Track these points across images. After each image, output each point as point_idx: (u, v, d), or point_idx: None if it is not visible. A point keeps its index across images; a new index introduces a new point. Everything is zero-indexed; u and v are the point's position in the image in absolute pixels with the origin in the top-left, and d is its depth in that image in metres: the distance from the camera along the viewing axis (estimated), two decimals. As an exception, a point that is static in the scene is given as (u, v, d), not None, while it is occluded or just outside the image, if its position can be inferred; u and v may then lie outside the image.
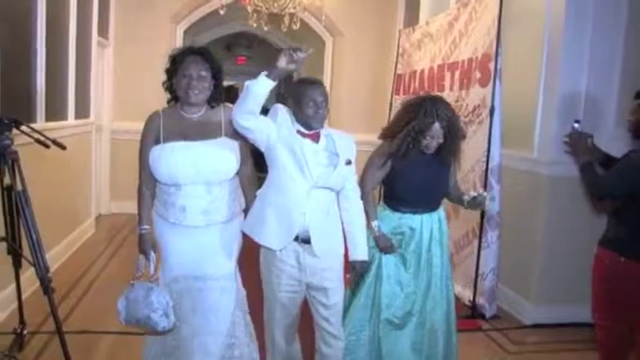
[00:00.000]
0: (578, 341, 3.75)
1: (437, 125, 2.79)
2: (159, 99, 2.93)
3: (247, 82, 2.35)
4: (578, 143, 3.13)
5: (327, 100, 2.53)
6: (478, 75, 4.27)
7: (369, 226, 2.86)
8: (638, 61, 3.99)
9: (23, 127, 2.95)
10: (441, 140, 2.83)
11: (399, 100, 6.07)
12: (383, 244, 2.91)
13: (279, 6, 5.47)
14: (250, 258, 2.76)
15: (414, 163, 2.86)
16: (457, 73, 4.65)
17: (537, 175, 4.11)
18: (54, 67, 4.56)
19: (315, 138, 2.54)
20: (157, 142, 2.55)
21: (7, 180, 2.93)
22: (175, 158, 2.50)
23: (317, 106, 2.47)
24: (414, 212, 2.93)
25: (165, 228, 2.61)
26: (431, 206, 2.98)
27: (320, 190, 2.54)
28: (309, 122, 2.50)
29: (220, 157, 2.56)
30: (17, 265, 3.14)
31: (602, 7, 3.92)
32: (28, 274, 3.40)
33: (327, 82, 7.42)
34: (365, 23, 7.19)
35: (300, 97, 2.49)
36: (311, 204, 2.51)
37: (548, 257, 4.09)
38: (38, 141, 2.99)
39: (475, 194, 2.93)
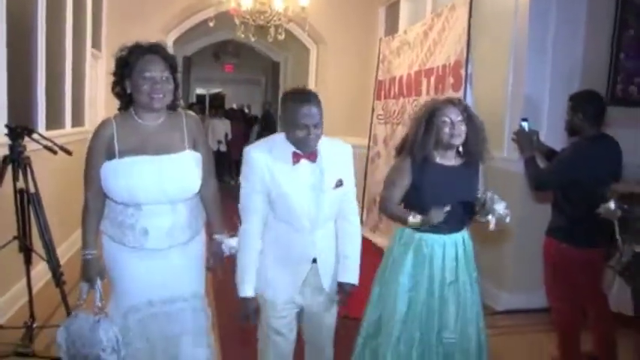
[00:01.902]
0: (546, 323, 3.95)
1: (451, 107, 2.52)
2: None
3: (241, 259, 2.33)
4: (523, 140, 3.47)
5: (322, 116, 2.23)
6: (451, 80, 4.60)
7: (409, 224, 2.58)
8: (595, 67, 4.34)
9: (34, 135, 3.23)
10: (463, 127, 2.51)
11: (380, 105, 6.40)
12: (436, 217, 2.51)
13: (264, 18, 5.80)
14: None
15: (434, 175, 2.55)
16: (432, 79, 4.97)
17: (508, 171, 4.41)
18: (52, 79, 4.82)
19: (313, 157, 2.30)
20: (111, 155, 2.25)
21: (19, 183, 3.21)
22: (136, 175, 2.23)
23: (308, 128, 2.20)
24: (435, 232, 2.57)
25: (120, 253, 2.34)
26: (454, 226, 2.60)
27: (327, 225, 2.38)
28: (301, 147, 2.26)
29: (186, 173, 2.32)
30: (28, 261, 3.40)
31: (562, 19, 4.24)
32: (37, 270, 3.66)
33: (311, 88, 7.71)
34: (347, 32, 7.49)
35: (290, 117, 2.21)
36: (319, 247, 2.36)
37: (520, 248, 4.39)
38: (47, 147, 3.28)
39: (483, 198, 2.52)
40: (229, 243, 2.51)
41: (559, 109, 4.28)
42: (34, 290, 3.64)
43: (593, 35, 4.30)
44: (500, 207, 2.45)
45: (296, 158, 2.27)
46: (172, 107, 2.36)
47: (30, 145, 3.30)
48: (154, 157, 2.24)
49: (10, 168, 3.16)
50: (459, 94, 4.44)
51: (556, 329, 3.47)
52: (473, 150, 2.57)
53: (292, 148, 2.27)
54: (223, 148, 10.43)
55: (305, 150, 2.26)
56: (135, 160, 2.23)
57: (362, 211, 6.51)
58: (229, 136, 10.53)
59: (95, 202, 2.32)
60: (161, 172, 2.24)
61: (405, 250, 2.60)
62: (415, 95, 5.30)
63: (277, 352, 2.48)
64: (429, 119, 2.53)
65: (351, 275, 2.45)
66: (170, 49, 7.21)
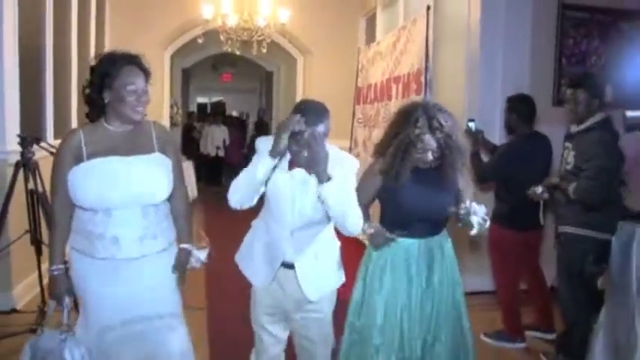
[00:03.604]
0: (493, 303, 4.25)
1: (428, 137, 2.37)
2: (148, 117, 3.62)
3: (247, 170, 2.25)
4: (469, 138, 3.98)
5: (324, 137, 2.19)
6: (414, 86, 5.11)
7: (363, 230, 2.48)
8: (541, 72, 4.83)
9: (42, 143, 3.77)
10: (436, 154, 2.41)
11: (359, 109, 6.92)
12: (376, 241, 2.53)
13: (247, 34, 6.36)
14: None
15: (410, 182, 2.47)
16: (400, 85, 5.48)
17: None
18: (59, 91, 5.37)
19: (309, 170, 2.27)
20: (79, 160, 2.18)
21: (30, 185, 3.75)
22: (105, 176, 2.16)
23: (301, 146, 2.19)
24: (410, 236, 2.54)
25: (90, 268, 2.23)
26: (430, 230, 2.57)
27: (311, 229, 2.35)
28: (292, 156, 2.28)
29: (157, 175, 2.26)
30: (39, 253, 3.93)
31: (510, 31, 4.73)
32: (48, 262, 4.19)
33: (299, 95, 8.29)
34: (331, 42, 8.01)
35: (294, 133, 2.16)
36: (294, 245, 2.34)
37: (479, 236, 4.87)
38: (52, 153, 3.81)
39: (463, 208, 2.47)
40: (197, 255, 2.44)
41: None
42: (45, 280, 4.13)
43: (538, 44, 4.81)
44: (480, 214, 2.42)
45: (292, 164, 2.29)
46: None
47: (39, 152, 3.84)
48: (123, 158, 2.19)
49: (21, 172, 3.70)
50: (420, 99, 4.95)
51: (501, 306, 3.96)
52: (445, 164, 2.46)
53: (289, 156, 2.28)
54: (221, 153, 10.97)
55: (296, 164, 2.27)
56: (104, 161, 2.17)
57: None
58: (227, 142, 11.07)
59: (62, 213, 2.24)
60: (131, 172, 2.19)
61: (382, 254, 2.55)
62: (387, 100, 5.83)
63: (263, 349, 2.51)
64: (404, 140, 2.42)
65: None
66: (168, 62, 7.87)
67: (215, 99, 17.87)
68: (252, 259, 2.44)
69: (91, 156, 2.18)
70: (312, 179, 2.23)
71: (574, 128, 3.28)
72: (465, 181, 2.58)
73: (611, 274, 3.12)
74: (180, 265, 2.43)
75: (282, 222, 2.32)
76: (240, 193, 2.27)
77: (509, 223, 3.69)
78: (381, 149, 2.56)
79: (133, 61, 2.23)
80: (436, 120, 2.37)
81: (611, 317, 3.13)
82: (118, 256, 2.21)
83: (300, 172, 2.27)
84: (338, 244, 2.49)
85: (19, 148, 3.74)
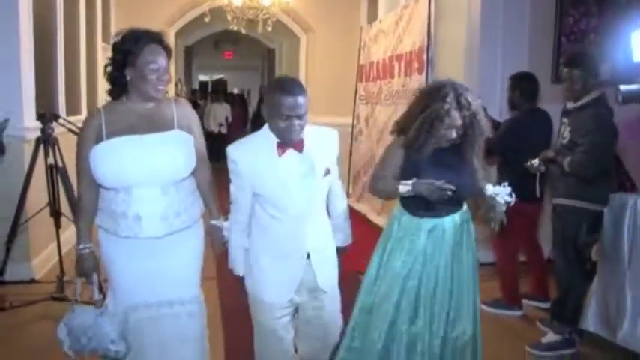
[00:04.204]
0: (493, 274, 4.27)
1: (456, 114, 2.35)
2: None
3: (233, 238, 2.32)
4: None
5: (306, 107, 2.14)
6: (416, 64, 5.25)
7: (399, 194, 2.46)
8: (540, 50, 4.96)
9: (60, 120, 3.93)
10: (460, 132, 2.40)
11: (361, 87, 7.06)
12: (428, 192, 2.38)
13: (253, 13, 6.49)
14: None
15: (431, 159, 2.43)
16: (402, 63, 5.63)
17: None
18: (70, 71, 5.51)
19: (299, 147, 2.21)
20: (99, 140, 2.19)
21: (50, 160, 3.92)
22: (123, 155, 2.17)
23: (292, 119, 2.12)
24: (434, 216, 2.49)
25: (116, 246, 2.26)
26: (452, 209, 2.53)
27: (315, 217, 2.31)
28: (283, 137, 2.17)
29: (176, 152, 2.25)
30: (58, 225, 4.11)
31: (510, 9, 4.85)
32: (66, 234, 4.38)
33: (302, 73, 8.40)
34: (333, 21, 8.13)
35: (274, 106, 2.13)
36: (311, 240, 2.28)
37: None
38: (70, 130, 3.97)
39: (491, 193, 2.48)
40: (228, 226, 2.43)
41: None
42: (64, 250, 4.28)
43: (537, 23, 4.93)
44: (501, 198, 2.45)
45: (281, 149, 2.19)
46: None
47: (57, 129, 4.00)
48: (142, 136, 2.19)
49: (42, 148, 3.87)
50: (422, 76, 5.10)
51: (500, 276, 4.14)
52: (465, 144, 2.46)
53: (276, 140, 2.19)
54: (224, 130, 11.12)
55: (287, 141, 2.18)
56: (123, 140, 2.18)
57: (348, 183, 7.21)
58: (229, 119, 11.21)
59: (89, 194, 2.27)
60: (149, 151, 2.18)
61: (404, 234, 2.51)
62: (389, 77, 5.97)
63: (275, 354, 2.41)
64: (428, 116, 2.39)
65: (341, 238, 2.48)
66: (172, 40, 7.97)
67: (217, 76, 17.94)
68: (264, 274, 2.30)
69: (110, 135, 2.18)
70: (307, 158, 2.22)
71: (570, 105, 3.42)
72: (479, 162, 2.57)
73: (603, 244, 3.31)
74: (216, 242, 2.49)
75: (293, 215, 2.23)
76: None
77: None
78: (405, 125, 2.51)
79: (155, 39, 2.22)
80: (464, 97, 2.37)
81: (603, 285, 3.33)
82: (140, 235, 2.21)
83: (292, 155, 2.21)
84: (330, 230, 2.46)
85: (36, 125, 3.91)
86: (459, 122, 2.37)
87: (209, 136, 11.23)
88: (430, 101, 2.40)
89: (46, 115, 3.83)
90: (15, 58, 4.20)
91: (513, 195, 2.47)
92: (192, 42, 11.05)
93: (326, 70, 8.15)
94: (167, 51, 2.26)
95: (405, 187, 2.41)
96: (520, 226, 3.93)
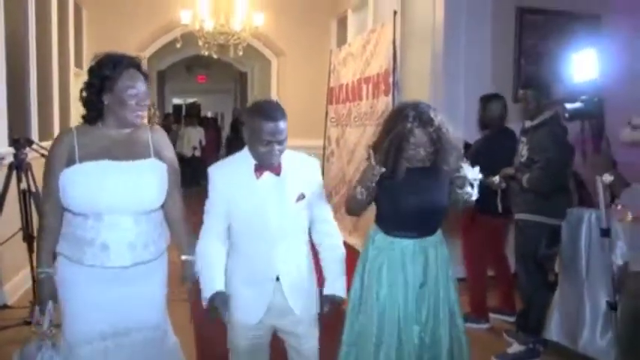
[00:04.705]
0: (463, 289, 4.62)
1: (420, 132, 2.38)
2: None
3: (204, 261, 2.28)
4: None
5: (286, 132, 2.19)
6: (383, 87, 5.41)
7: (357, 191, 2.43)
8: (502, 72, 5.16)
9: (34, 145, 3.98)
10: (429, 149, 2.42)
11: (332, 109, 7.21)
12: (363, 175, 2.41)
13: (224, 38, 6.63)
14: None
15: (403, 181, 2.45)
16: (370, 86, 5.78)
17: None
18: (43, 96, 5.54)
19: (277, 170, 2.24)
20: (71, 163, 2.11)
21: (22, 185, 3.94)
22: (97, 180, 2.09)
23: (272, 144, 2.15)
24: (405, 237, 2.51)
25: (76, 275, 2.14)
26: (426, 230, 2.55)
27: (289, 240, 2.29)
28: (263, 160, 2.20)
29: (152, 181, 2.19)
30: (31, 250, 4.11)
31: (472, 33, 5.06)
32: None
33: (274, 96, 8.51)
34: (303, 44, 8.27)
35: (255, 131, 2.16)
36: (282, 263, 2.28)
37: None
38: (43, 155, 4.00)
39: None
40: None
41: (472, 109, 5.09)
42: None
43: (498, 45, 5.16)
44: (472, 174, 2.48)
45: (259, 172, 2.22)
46: None
47: (30, 154, 4.04)
48: (116, 162, 2.13)
49: (14, 173, 3.90)
50: (389, 98, 5.26)
51: (470, 291, 4.26)
52: (438, 163, 2.46)
53: (254, 162, 2.23)
54: (198, 153, 11.18)
55: (267, 165, 2.20)
56: (97, 165, 2.11)
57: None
58: (203, 142, 11.27)
59: (53, 216, 2.17)
60: (124, 177, 2.13)
61: (378, 253, 2.53)
62: (358, 100, 6.13)
63: None
64: (395, 139, 2.43)
65: (338, 287, 2.40)
66: (145, 65, 8.03)
67: (190, 100, 18.00)
68: (234, 295, 2.29)
69: (83, 158, 2.11)
70: (283, 181, 2.24)
71: (528, 124, 3.60)
72: (459, 177, 2.52)
73: (562, 257, 3.46)
74: (188, 279, 2.41)
75: (265, 237, 2.24)
76: (199, 264, 2.32)
77: (482, 209, 3.99)
78: (375, 149, 2.50)
79: (133, 63, 2.17)
80: (426, 114, 2.39)
81: (563, 296, 3.47)
82: (106, 264, 2.12)
83: (270, 177, 2.24)
84: (311, 254, 2.45)
85: (9, 150, 3.94)
86: (424, 139, 2.39)
87: (183, 159, 11.30)
88: (394, 124, 2.45)
89: (20, 140, 3.87)
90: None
91: (479, 174, 2.49)
92: (165, 66, 11.15)
93: (297, 93, 8.28)
94: (145, 76, 2.21)
95: (359, 189, 2.41)
96: (486, 238, 4.08)
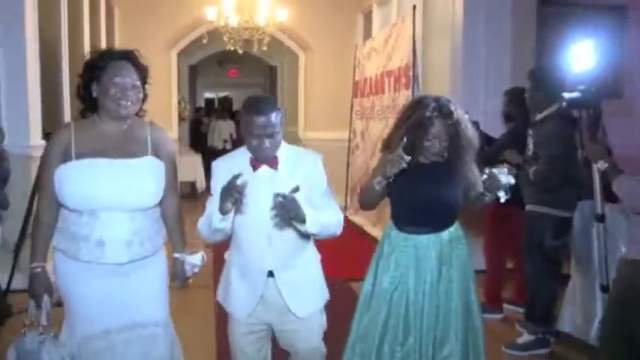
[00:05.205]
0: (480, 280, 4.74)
1: (439, 122, 2.35)
2: (160, 118, 3.73)
3: (207, 215, 2.21)
4: None
5: (279, 126, 2.20)
6: (404, 80, 5.49)
7: (377, 181, 2.39)
8: (522, 67, 5.10)
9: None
10: (444, 142, 2.38)
11: (357, 102, 7.30)
12: (383, 164, 2.37)
13: (249, 33, 6.80)
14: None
15: (415, 174, 2.41)
16: (392, 79, 5.87)
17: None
18: (74, 90, 5.76)
19: (273, 164, 2.26)
20: (67, 159, 2.09)
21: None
22: (93, 177, 2.07)
23: (262, 137, 2.18)
24: (419, 232, 2.48)
25: (74, 270, 2.13)
26: (439, 225, 2.51)
27: (285, 235, 2.26)
28: (255, 154, 2.23)
29: (148, 179, 2.17)
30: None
31: (492, 27, 5.07)
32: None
33: (301, 90, 8.67)
34: (330, 38, 8.39)
35: (246, 125, 2.20)
36: (275, 258, 2.27)
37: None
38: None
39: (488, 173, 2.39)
40: (191, 261, 2.35)
41: (492, 103, 5.11)
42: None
43: (518, 39, 5.14)
44: (503, 177, 2.34)
45: (255, 165, 2.25)
46: (138, 115, 2.26)
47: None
48: (113, 160, 2.11)
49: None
50: (409, 92, 5.33)
51: (486, 282, 4.30)
52: (453, 158, 2.44)
53: (250, 156, 2.26)
54: (229, 146, 11.37)
55: (260, 158, 2.24)
56: (92, 162, 2.09)
57: (345, 196, 7.44)
58: (234, 136, 11.48)
59: (48, 212, 2.15)
60: (120, 175, 2.11)
61: (392, 250, 2.51)
62: (381, 93, 6.21)
63: None
64: (412, 130, 2.39)
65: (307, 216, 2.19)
66: (174, 60, 8.28)
67: (222, 94, 18.28)
68: (231, 286, 2.33)
69: (79, 155, 2.09)
70: (280, 175, 2.25)
71: (537, 117, 3.63)
72: (474, 175, 2.49)
73: (575, 249, 3.49)
74: (178, 276, 2.39)
75: (257, 229, 2.25)
76: (206, 233, 2.26)
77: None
78: (389, 141, 2.51)
79: (124, 56, 2.16)
80: (447, 107, 2.36)
81: (576, 287, 3.50)
82: (102, 260, 2.10)
83: (265, 171, 2.26)
84: (318, 256, 2.45)
85: (42, 143, 4.15)
86: (442, 131, 2.35)
87: (213, 152, 11.53)
88: (412, 112, 2.42)
89: (51, 134, 4.06)
90: (21, 79, 4.46)
91: (512, 179, 2.38)
92: (196, 61, 11.36)
93: (324, 87, 8.41)
94: (140, 69, 2.18)
95: (378, 179, 2.38)
96: (509, 229, 4.11)
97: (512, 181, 2.37)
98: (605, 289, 2.93)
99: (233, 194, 2.06)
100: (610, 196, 2.86)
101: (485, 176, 2.37)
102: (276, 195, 2.08)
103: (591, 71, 2.88)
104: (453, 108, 2.37)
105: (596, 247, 3.19)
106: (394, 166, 2.29)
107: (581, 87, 2.84)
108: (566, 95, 2.87)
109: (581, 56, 2.91)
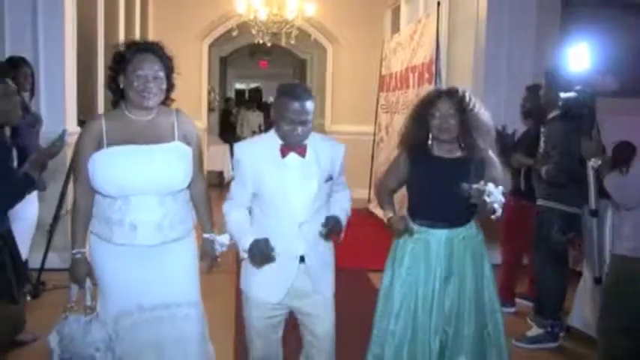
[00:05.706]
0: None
1: (445, 99, 2.40)
2: (190, 108, 3.88)
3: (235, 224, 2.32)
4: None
5: (312, 114, 2.23)
6: (427, 75, 5.57)
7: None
8: (543, 65, 5.15)
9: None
10: (452, 121, 2.38)
11: (383, 96, 7.40)
12: (397, 228, 2.46)
13: (277, 27, 6.98)
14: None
15: (434, 169, 2.48)
16: (416, 74, 5.95)
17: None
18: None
19: (302, 152, 2.28)
20: (99, 148, 2.20)
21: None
22: (123, 164, 2.19)
23: (294, 123, 2.20)
24: (432, 226, 2.51)
25: (108, 252, 2.25)
26: (452, 221, 2.51)
27: (312, 221, 2.29)
28: (286, 140, 2.24)
29: (176, 164, 2.27)
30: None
31: (515, 23, 5.11)
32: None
33: (329, 82, 8.80)
34: (359, 32, 8.49)
35: (280, 109, 2.22)
36: (305, 244, 2.30)
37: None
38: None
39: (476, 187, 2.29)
40: (221, 240, 2.45)
41: (514, 100, 5.11)
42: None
43: (542, 36, 5.17)
44: (492, 197, 2.23)
45: (284, 151, 2.26)
46: (164, 104, 2.35)
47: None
48: (142, 147, 2.22)
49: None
50: (431, 87, 5.39)
51: (501, 275, 4.31)
52: (467, 143, 2.44)
53: (280, 142, 2.27)
54: (258, 137, 11.56)
55: (289, 144, 2.25)
56: (123, 150, 2.20)
57: (369, 188, 7.54)
58: (263, 127, 11.66)
59: (86, 199, 2.26)
60: (149, 161, 2.21)
61: (405, 242, 2.54)
62: (405, 88, 6.30)
63: (263, 350, 2.45)
64: (420, 112, 2.47)
65: (336, 210, 2.36)
66: (205, 52, 8.49)
67: (253, 85, 18.49)
68: (259, 273, 2.31)
69: (111, 144, 2.19)
70: (308, 163, 2.28)
71: (549, 116, 3.69)
72: (495, 169, 2.47)
73: (585, 246, 3.55)
74: (207, 255, 2.48)
75: (289, 216, 2.28)
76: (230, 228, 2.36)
77: (519, 193, 4.11)
78: (404, 129, 2.58)
79: (149, 48, 2.24)
80: (453, 88, 2.45)
81: (586, 283, 3.57)
82: (135, 243, 2.22)
83: (294, 159, 2.28)
84: (331, 243, 2.47)
85: (77, 130, 4.35)
86: (449, 109, 2.38)
87: (242, 142, 11.72)
88: (421, 110, 2.49)
89: (86, 122, 4.26)
90: (59, 67, 4.67)
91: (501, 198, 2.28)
92: (227, 53, 11.56)
93: (351, 80, 8.53)
94: (164, 61, 2.26)
95: (387, 215, 2.55)
96: (526, 224, 4.14)
97: (501, 198, 2.25)
98: (597, 281, 3.07)
99: (264, 263, 2.23)
100: (603, 192, 2.96)
101: (475, 187, 2.28)
102: (320, 232, 2.26)
103: (587, 72, 2.98)
104: (460, 89, 2.43)
105: (588, 240, 3.32)
106: (400, 231, 2.46)
107: (577, 88, 2.93)
108: (563, 95, 2.96)
109: (579, 57, 2.99)
